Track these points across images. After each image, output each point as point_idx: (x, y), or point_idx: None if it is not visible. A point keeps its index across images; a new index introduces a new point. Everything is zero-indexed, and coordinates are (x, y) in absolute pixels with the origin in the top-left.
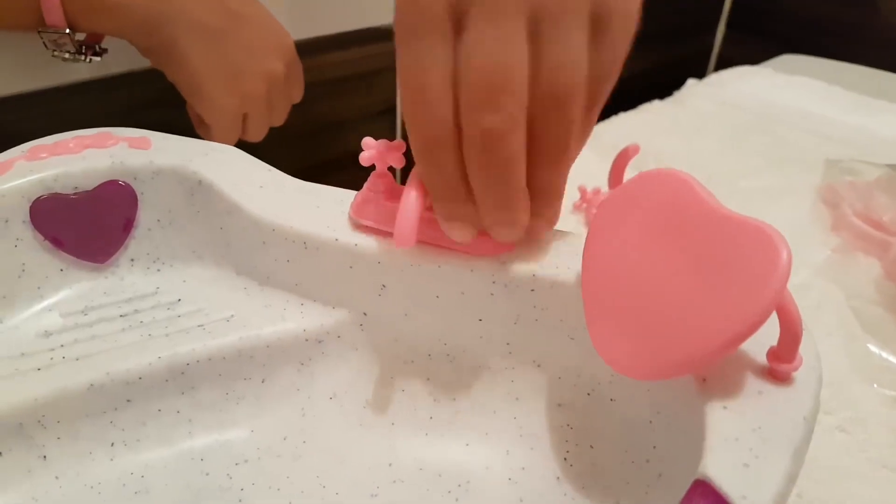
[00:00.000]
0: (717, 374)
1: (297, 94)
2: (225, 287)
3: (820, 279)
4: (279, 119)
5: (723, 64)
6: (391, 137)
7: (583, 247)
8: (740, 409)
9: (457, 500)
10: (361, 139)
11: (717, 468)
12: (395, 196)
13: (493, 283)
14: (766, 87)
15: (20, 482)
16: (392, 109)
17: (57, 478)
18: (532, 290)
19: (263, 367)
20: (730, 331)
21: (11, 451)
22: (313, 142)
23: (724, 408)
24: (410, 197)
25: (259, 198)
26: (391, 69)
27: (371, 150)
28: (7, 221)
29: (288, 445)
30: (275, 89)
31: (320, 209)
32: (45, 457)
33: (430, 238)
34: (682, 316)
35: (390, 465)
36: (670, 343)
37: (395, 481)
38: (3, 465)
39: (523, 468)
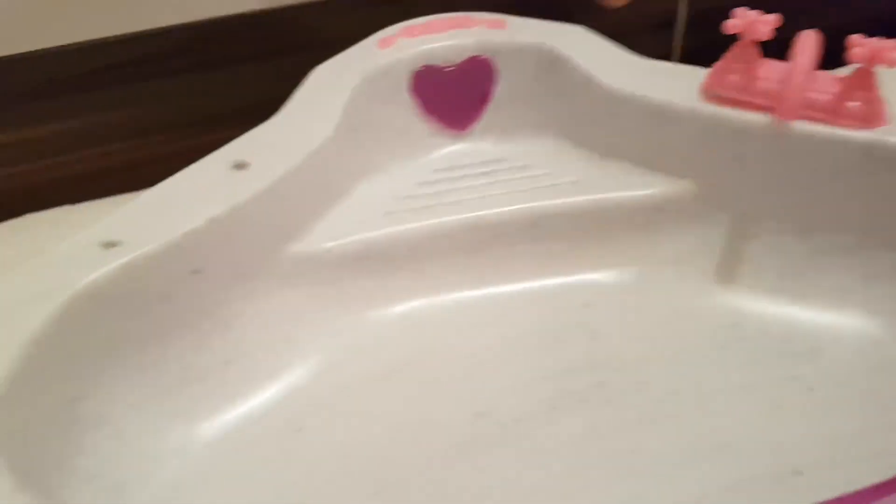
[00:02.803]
0: None
1: None
2: (568, 156)
3: None
4: None
5: None
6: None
7: None
8: None
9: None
10: None
11: None
12: (758, 68)
13: (869, 156)
14: None
15: None
16: (671, 24)
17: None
18: None
19: (604, 227)
20: None
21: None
22: None
23: None
24: (799, 66)
25: (613, 72)
26: None
27: (740, 19)
28: (397, 88)
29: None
30: None
31: (674, 83)
32: None
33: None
34: None
35: (735, 324)
36: None
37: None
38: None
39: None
